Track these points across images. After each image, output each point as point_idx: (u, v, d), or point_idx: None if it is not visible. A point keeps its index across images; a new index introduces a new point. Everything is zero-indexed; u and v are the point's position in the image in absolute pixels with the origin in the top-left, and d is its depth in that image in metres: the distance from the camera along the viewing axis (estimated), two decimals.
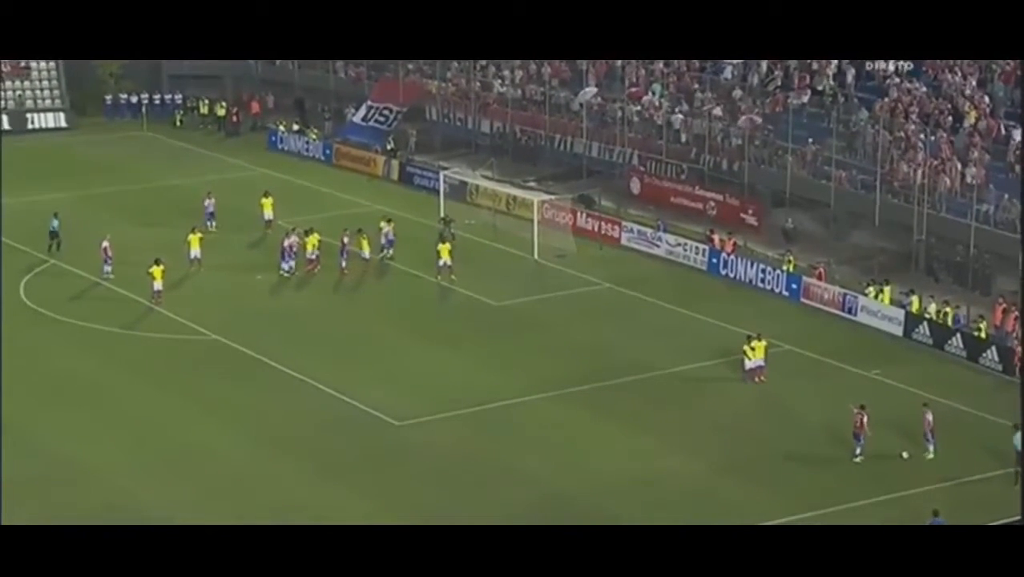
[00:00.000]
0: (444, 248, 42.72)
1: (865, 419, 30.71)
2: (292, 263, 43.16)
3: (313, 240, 43.41)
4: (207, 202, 46.62)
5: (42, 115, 65.04)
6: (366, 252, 43.80)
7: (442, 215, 47.33)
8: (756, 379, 34.72)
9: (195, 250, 42.54)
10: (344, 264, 43.31)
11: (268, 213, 47.56)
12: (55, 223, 45.32)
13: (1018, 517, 24.71)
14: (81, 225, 46.15)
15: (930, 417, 30.96)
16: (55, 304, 40.24)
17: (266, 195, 48.29)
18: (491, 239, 47.67)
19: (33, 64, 66.10)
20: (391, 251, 44.30)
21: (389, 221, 45.19)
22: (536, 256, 45.71)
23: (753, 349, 34.96)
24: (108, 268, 42.20)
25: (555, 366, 36.47)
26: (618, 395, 34.46)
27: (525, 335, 38.94)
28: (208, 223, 45.01)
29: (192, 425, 32.21)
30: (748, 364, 34.78)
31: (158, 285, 39.75)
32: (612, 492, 28.98)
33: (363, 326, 39.48)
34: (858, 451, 30.65)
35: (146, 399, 33.99)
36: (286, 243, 43.32)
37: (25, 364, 36.01)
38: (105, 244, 42.63)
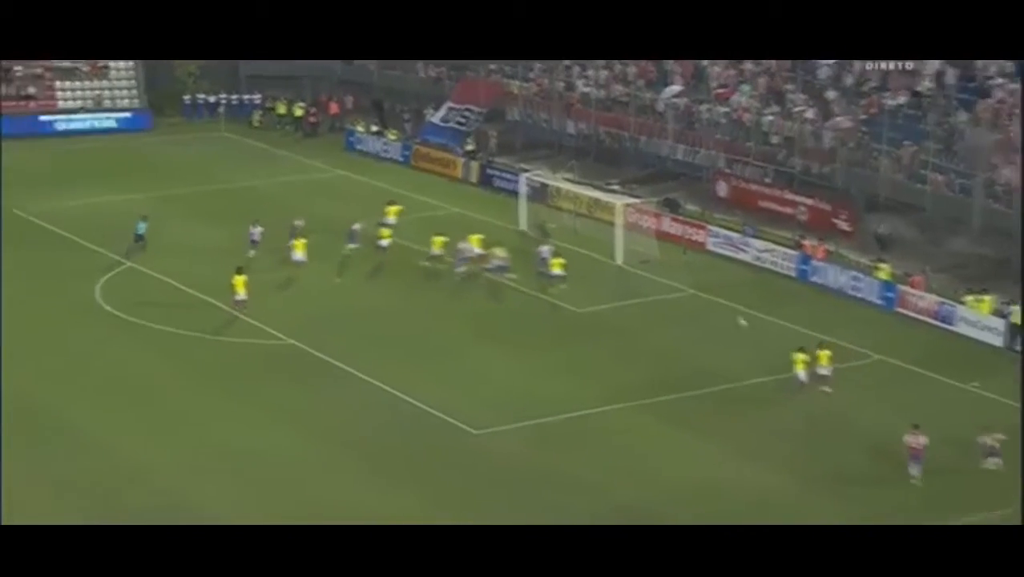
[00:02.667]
0: (556, 262, 42.42)
1: (922, 440, 29.74)
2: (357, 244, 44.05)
3: (439, 241, 44.01)
4: (253, 230, 44.77)
5: (120, 115, 66.41)
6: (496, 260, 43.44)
7: (540, 221, 47.07)
8: (822, 389, 34.22)
9: (299, 254, 42.85)
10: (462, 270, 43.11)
11: (391, 221, 46.75)
12: (142, 226, 45.61)
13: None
14: (158, 227, 46.93)
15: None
16: (129, 306, 40.92)
17: (391, 203, 47.72)
18: (573, 243, 47.69)
19: (112, 64, 67.57)
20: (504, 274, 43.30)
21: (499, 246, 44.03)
22: (619, 261, 45.69)
23: (813, 359, 34.35)
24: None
25: (635, 375, 36.39)
26: (699, 405, 34.23)
27: (606, 342, 38.89)
28: (251, 250, 44.27)
29: (257, 429, 32.55)
30: (801, 375, 33.89)
31: (241, 295, 39.55)
32: (684, 504, 28.79)
33: (441, 330, 39.62)
34: (915, 472, 29.66)
35: (210, 402, 34.39)
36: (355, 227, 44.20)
37: (92, 365, 36.68)
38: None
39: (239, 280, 39.88)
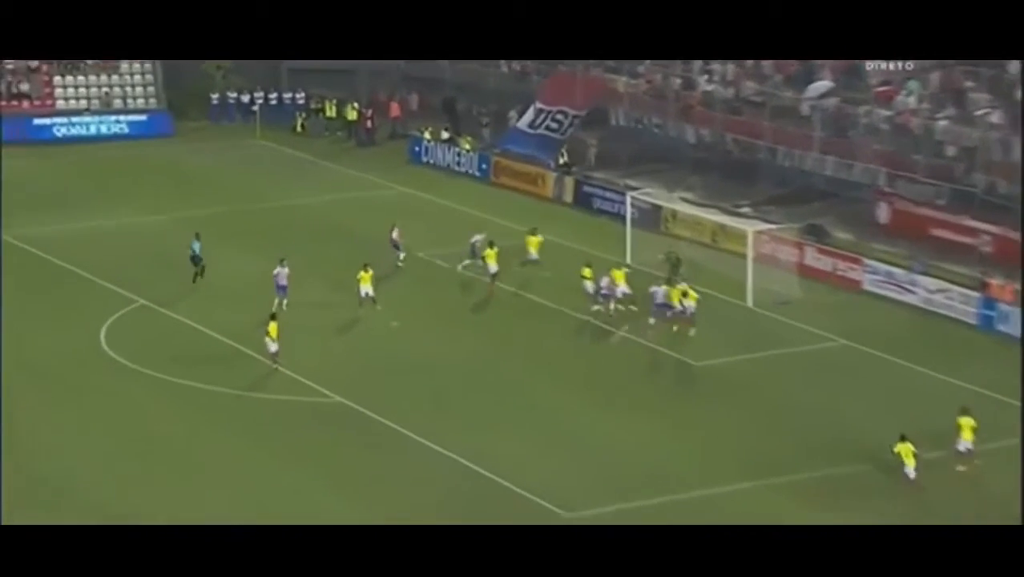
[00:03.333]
0: (675, 292, 42.73)
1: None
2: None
3: (492, 253, 45.45)
4: (279, 271, 44.71)
5: (134, 118, 67.46)
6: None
7: (667, 251, 47.14)
8: (960, 466, 33.94)
9: (365, 287, 43.54)
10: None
11: (533, 253, 47.28)
12: (196, 246, 46.46)
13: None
14: (179, 256, 47.49)
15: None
16: (142, 355, 41.35)
17: (533, 232, 47.90)
18: (691, 280, 47.54)
19: None
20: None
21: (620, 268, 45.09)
22: (750, 303, 45.49)
23: (959, 428, 34.14)
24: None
25: (771, 446, 36.05)
26: (853, 487, 33.81)
27: (733, 404, 38.60)
28: (279, 298, 44.25)
29: (308, 500, 32.68)
30: (909, 471, 33.47)
31: (273, 346, 40.01)
32: None
33: (522, 385, 39.65)
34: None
35: (254, 468, 34.67)
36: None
37: (105, 425, 37.12)
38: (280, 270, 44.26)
39: (272, 328, 40.14)
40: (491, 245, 46.42)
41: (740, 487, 33.82)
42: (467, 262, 47.74)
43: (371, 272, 44.07)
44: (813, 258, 47.94)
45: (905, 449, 33.76)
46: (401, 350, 42.01)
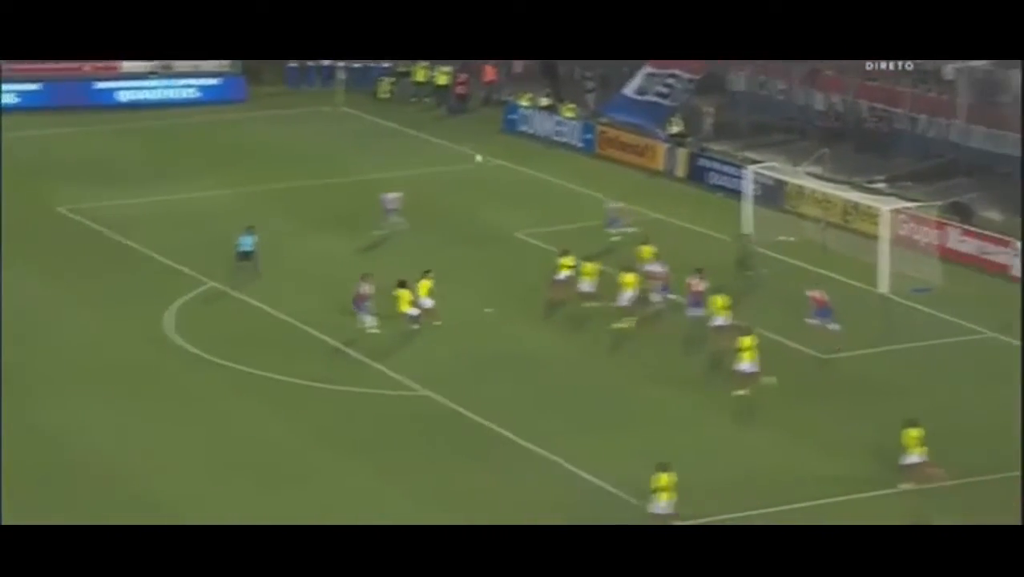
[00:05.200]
0: (718, 301, 41.12)
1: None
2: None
3: (589, 269, 43.44)
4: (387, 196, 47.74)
5: (204, 82, 67.82)
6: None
7: (743, 247, 46.40)
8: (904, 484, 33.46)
9: (424, 298, 41.83)
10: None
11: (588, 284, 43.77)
12: (248, 241, 45.69)
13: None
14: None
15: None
16: (212, 342, 41.49)
17: (645, 243, 45.14)
18: (819, 264, 46.93)
19: None
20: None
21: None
22: (884, 289, 44.96)
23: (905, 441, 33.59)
24: (370, 318, 41.52)
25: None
26: (1008, 494, 33.14)
27: (866, 404, 38.07)
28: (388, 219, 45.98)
29: (388, 510, 32.63)
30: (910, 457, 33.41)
31: (412, 309, 41.16)
32: None
33: (629, 383, 39.36)
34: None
35: (335, 473, 34.69)
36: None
37: (177, 422, 37.28)
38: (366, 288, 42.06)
39: (404, 295, 41.06)
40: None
41: (870, 494, 33.43)
42: (615, 231, 48.27)
43: (431, 279, 41.97)
44: (957, 240, 47.42)
45: (909, 436, 33.45)
46: (494, 341, 41.77)
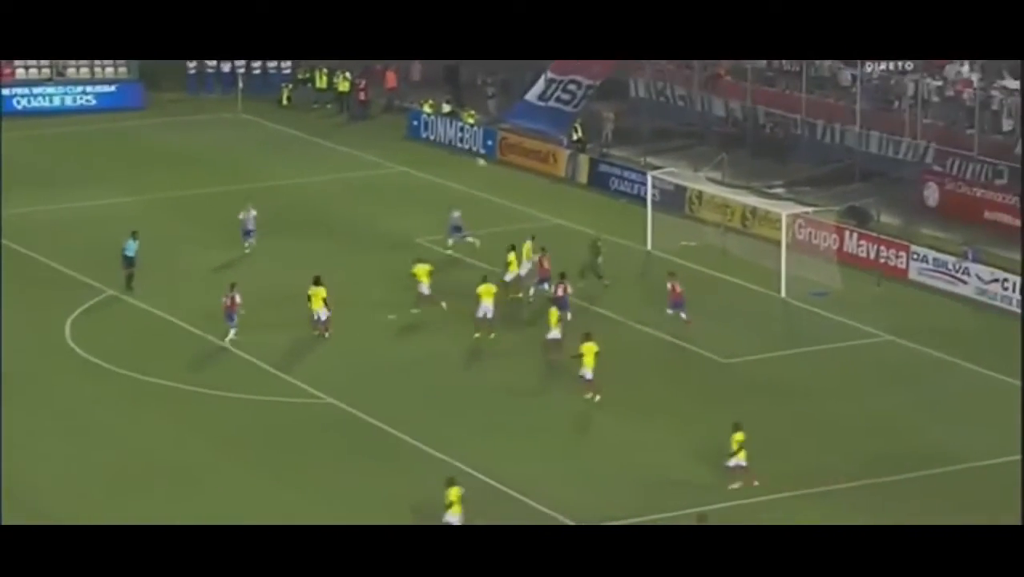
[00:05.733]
0: (552, 316, 41.01)
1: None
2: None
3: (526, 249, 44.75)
4: (246, 215, 47.68)
5: (102, 89, 67.32)
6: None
7: (590, 259, 46.13)
8: (733, 484, 33.74)
9: (317, 309, 41.63)
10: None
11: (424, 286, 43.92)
12: (132, 246, 45.75)
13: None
14: (153, 241, 47.30)
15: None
16: (114, 352, 41.25)
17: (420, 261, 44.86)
18: (719, 268, 47.35)
19: None
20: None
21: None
22: (783, 293, 45.35)
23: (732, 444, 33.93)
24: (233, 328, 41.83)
25: (811, 452, 35.94)
26: (905, 497, 33.67)
27: (767, 406, 38.39)
28: (247, 242, 45.86)
29: (287, 513, 32.53)
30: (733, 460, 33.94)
31: (323, 313, 41.52)
32: None
33: (532, 387, 39.52)
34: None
35: (238, 482, 34.56)
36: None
37: (80, 435, 36.99)
38: (237, 298, 42.15)
39: (317, 293, 41.29)
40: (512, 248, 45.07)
41: (774, 496, 33.64)
42: (454, 240, 47.96)
43: (323, 288, 41.74)
44: (854, 244, 47.78)
45: (734, 440, 33.80)
46: (396, 347, 41.81)
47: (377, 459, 35.80)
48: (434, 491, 32.14)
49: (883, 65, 54.93)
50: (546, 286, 43.53)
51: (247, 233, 48.02)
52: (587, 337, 38.23)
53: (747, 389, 39.46)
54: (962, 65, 53.23)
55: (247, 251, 47.61)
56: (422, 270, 43.15)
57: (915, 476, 34.61)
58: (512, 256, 44.63)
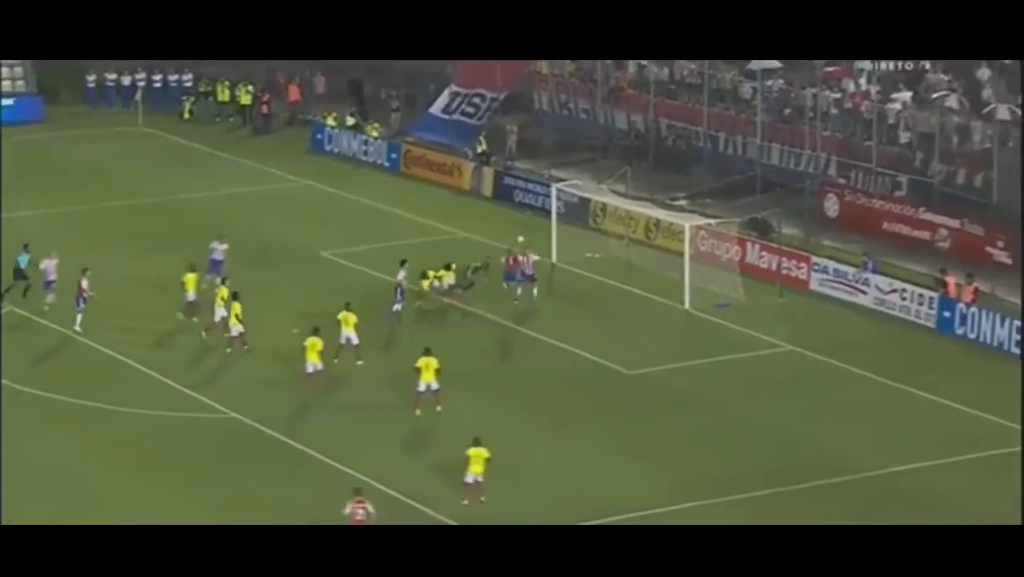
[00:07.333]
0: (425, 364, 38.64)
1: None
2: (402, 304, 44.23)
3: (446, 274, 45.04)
4: (216, 246, 46.10)
5: None
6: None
7: (478, 263, 46.64)
8: (465, 500, 33.79)
9: (347, 330, 41.41)
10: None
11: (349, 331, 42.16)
12: (24, 259, 45.75)
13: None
14: (46, 255, 46.96)
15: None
16: (13, 368, 41.02)
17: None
18: (623, 280, 47.76)
19: None
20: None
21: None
22: (687, 305, 45.78)
23: (469, 460, 33.89)
24: (80, 314, 42.88)
25: (714, 461, 36.31)
26: (805, 505, 34.10)
27: (671, 416, 38.84)
28: (214, 275, 45.03)
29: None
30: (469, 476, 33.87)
31: (191, 295, 42.59)
32: None
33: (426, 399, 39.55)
34: None
35: (140, 498, 34.56)
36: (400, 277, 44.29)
37: None
38: (84, 283, 43.46)
39: (191, 278, 42.12)
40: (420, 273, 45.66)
41: (679, 506, 33.96)
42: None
43: (238, 303, 41.74)
44: (756, 256, 48.24)
45: (477, 454, 33.76)
46: (300, 361, 41.89)
47: (278, 469, 35.82)
48: (334, 498, 32.32)
49: (782, 78, 55.51)
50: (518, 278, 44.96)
51: (215, 264, 45.70)
52: (427, 352, 38.20)
53: (651, 400, 39.80)
54: (860, 77, 53.94)
55: (204, 286, 44.84)
56: (346, 317, 41.56)
57: (815, 485, 35.02)
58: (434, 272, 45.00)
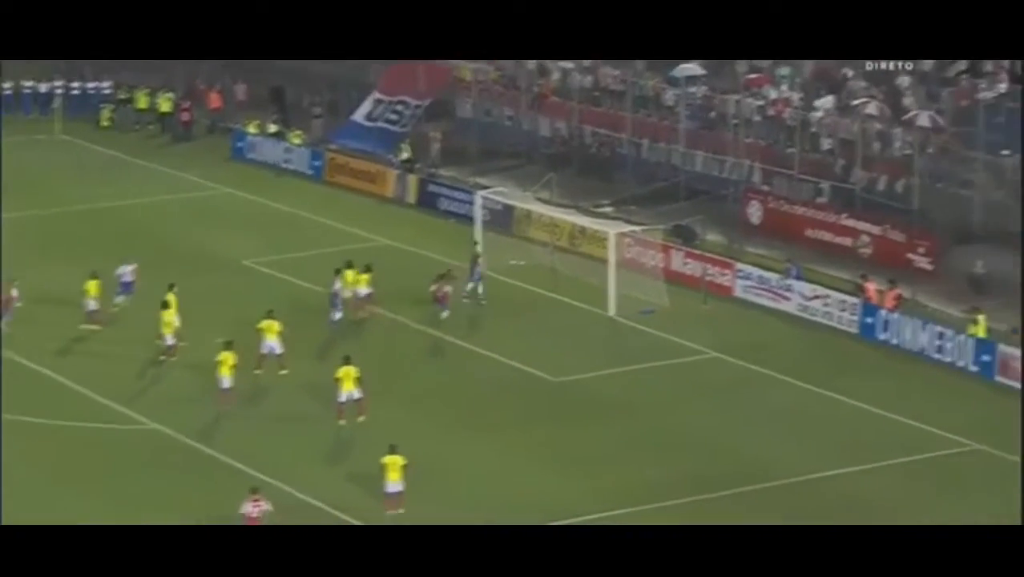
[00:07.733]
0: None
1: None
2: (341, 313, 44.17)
3: (363, 278, 44.94)
4: (124, 270, 45.32)
5: None
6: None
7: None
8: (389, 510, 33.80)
9: (271, 340, 41.10)
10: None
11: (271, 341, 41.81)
12: None
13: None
14: None
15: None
16: None
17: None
18: (548, 287, 47.84)
19: None
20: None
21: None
22: (612, 312, 45.91)
23: (385, 468, 33.89)
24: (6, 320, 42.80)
25: (640, 468, 36.42)
26: (731, 510, 34.24)
27: (598, 424, 38.93)
28: (120, 296, 44.85)
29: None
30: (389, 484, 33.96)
31: (93, 304, 42.40)
32: None
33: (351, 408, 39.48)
34: None
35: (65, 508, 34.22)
36: (336, 287, 44.22)
37: None
38: (14, 292, 43.03)
39: (92, 285, 42.14)
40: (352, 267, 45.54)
41: (606, 513, 33.99)
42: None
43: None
44: (680, 262, 48.47)
45: (392, 462, 33.86)
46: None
47: (192, 478, 35.67)
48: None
49: (705, 85, 55.73)
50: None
51: (126, 286, 45.16)
52: (347, 361, 38.27)
53: (577, 407, 39.88)
54: (781, 83, 54.22)
55: (115, 308, 44.87)
56: (269, 326, 41.25)
57: (739, 492, 35.21)
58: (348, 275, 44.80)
